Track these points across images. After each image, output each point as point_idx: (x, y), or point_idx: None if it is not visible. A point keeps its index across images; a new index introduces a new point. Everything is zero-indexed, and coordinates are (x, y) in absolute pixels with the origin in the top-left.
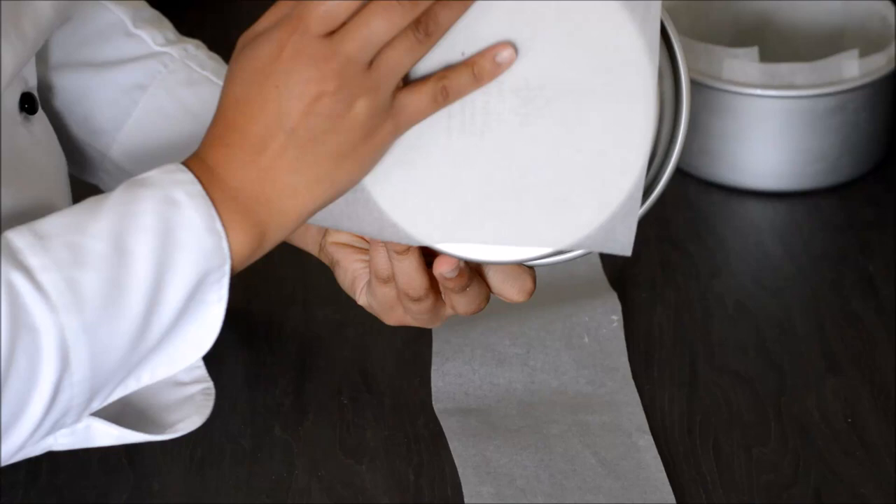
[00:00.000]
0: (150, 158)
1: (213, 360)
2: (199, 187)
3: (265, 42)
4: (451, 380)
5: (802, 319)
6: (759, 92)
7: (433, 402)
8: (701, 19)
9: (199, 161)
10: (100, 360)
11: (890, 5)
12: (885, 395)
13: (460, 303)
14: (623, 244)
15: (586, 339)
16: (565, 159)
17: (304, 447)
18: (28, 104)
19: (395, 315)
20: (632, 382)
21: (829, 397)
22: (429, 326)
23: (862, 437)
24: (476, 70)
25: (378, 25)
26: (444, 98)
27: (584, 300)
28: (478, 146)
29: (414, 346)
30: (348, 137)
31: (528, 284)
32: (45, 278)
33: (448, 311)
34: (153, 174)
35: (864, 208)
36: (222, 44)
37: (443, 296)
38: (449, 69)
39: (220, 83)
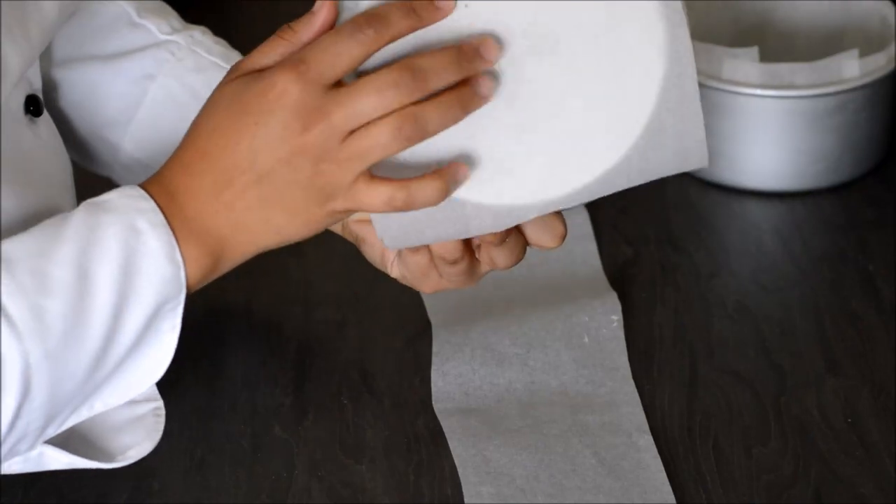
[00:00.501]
0: (164, 147)
1: (213, 359)
2: (161, 217)
3: (258, 78)
4: (451, 380)
5: (802, 319)
6: (759, 92)
7: (433, 402)
8: (701, 19)
9: (161, 185)
10: (58, 387)
11: (890, 5)
12: (885, 395)
13: (500, 256)
14: (695, 154)
15: (586, 339)
16: (590, 91)
17: (304, 447)
18: (33, 106)
19: (430, 282)
20: (632, 382)
21: (829, 397)
22: (467, 286)
23: (862, 437)
24: (438, 184)
25: (369, 103)
26: (401, 207)
27: (584, 300)
28: (506, 105)
29: (414, 346)
30: (306, 197)
31: (560, 229)
32: (11, 304)
33: (485, 267)
34: (115, 198)
35: (864, 208)
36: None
37: (479, 253)
38: (413, 180)
39: (228, 67)
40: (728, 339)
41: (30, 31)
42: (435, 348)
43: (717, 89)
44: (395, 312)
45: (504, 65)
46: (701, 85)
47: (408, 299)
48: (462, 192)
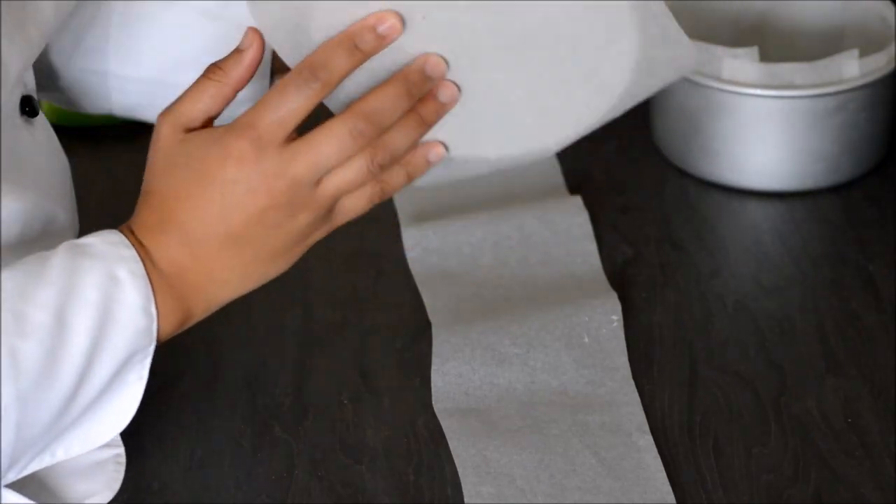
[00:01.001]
0: (142, 54)
1: (213, 359)
2: (141, 266)
3: (212, 143)
4: (451, 380)
5: (802, 319)
6: (759, 92)
7: (433, 402)
8: (701, 19)
9: (135, 239)
10: (24, 430)
11: (890, 5)
12: (885, 395)
13: None
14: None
15: (586, 339)
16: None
17: (304, 447)
18: (28, 107)
19: None
20: (632, 382)
21: (829, 397)
22: None
23: (862, 437)
24: (409, 169)
25: (329, 152)
26: (381, 199)
27: (584, 300)
28: (478, 65)
29: (414, 346)
30: (286, 242)
31: None
32: None
33: None
34: (97, 242)
35: (864, 208)
36: None
37: None
38: (387, 174)
39: None
40: (728, 339)
41: (29, 33)
42: (435, 348)
43: (717, 89)
44: (395, 312)
45: (471, 57)
46: (701, 85)
47: (408, 299)
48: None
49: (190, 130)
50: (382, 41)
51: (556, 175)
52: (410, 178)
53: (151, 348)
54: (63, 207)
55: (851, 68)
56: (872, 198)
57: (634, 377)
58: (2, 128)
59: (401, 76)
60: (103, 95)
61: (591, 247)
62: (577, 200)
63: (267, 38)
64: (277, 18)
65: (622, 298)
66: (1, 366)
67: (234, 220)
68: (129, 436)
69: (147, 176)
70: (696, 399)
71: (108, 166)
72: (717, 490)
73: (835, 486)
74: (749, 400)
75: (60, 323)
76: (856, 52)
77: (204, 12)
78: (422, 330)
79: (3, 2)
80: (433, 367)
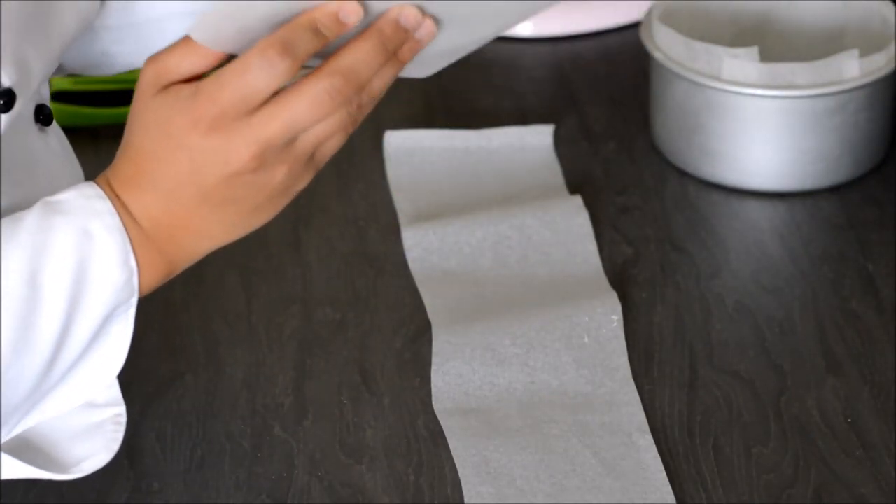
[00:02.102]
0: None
1: (213, 359)
2: (116, 219)
3: (178, 108)
4: (451, 380)
5: (802, 319)
6: (759, 92)
7: (433, 402)
8: (701, 19)
9: (111, 188)
10: (6, 396)
11: (890, 5)
12: (885, 395)
13: None
14: None
15: (586, 339)
16: None
17: (304, 447)
18: (42, 115)
19: None
20: (632, 382)
21: (829, 397)
22: None
23: (862, 437)
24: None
25: (305, 114)
26: (357, 125)
27: (584, 300)
28: None
29: (414, 346)
30: (268, 196)
31: None
32: None
33: None
34: (72, 198)
35: (864, 208)
36: None
37: None
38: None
39: None
40: (728, 339)
41: (51, 41)
42: (435, 348)
43: (717, 89)
44: (395, 312)
45: None
46: (701, 85)
47: (408, 299)
48: None
49: (170, 85)
50: (344, 27)
51: (557, 175)
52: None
53: (134, 300)
54: None
55: (851, 68)
56: (872, 198)
57: (634, 377)
58: (16, 135)
59: (375, 30)
60: (105, 51)
61: (592, 247)
62: (577, 200)
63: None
64: (219, 30)
65: (622, 298)
66: None
67: (207, 182)
68: (129, 436)
69: (126, 124)
70: (696, 399)
71: (108, 166)
72: (717, 490)
73: (835, 486)
74: (749, 400)
75: (33, 286)
76: (856, 52)
77: None
78: (422, 330)
79: (31, 11)
80: (433, 367)
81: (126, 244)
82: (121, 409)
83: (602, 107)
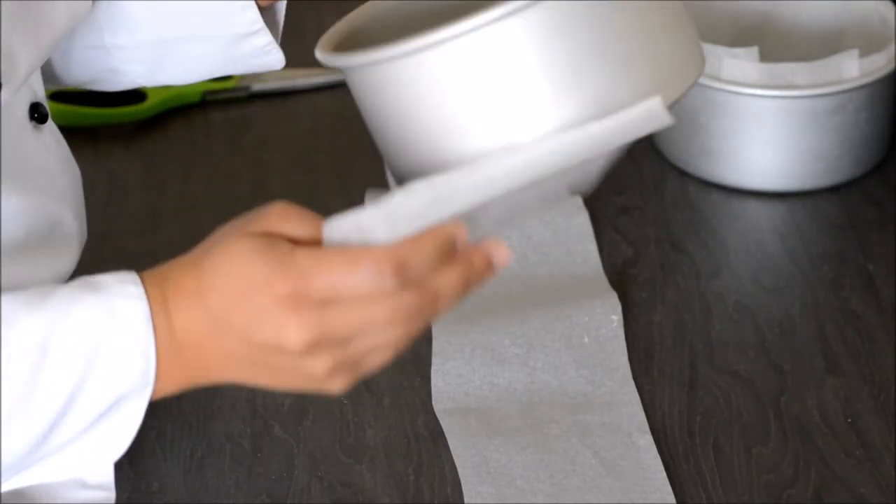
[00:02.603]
0: (132, 22)
1: None
2: (145, 306)
3: (267, 260)
4: (451, 380)
5: (802, 319)
6: (759, 92)
7: (433, 402)
8: (701, 19)
9: (161, 292)
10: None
11: (890, 5)
12: (885, 395)
13: None
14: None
15: (586, 339)
16: None
17: (304, 447)
18: (37, 114)
19: None
20: (632, 382)
21: (829, 397)
22: None
23: (862, 437)
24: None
25: (378, 321)
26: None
27: (583, 300)
28: None
29: (414, 346)
30: (300, 378)
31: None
32: None
33: None
34: (107, 279)
35: (864, 208)
36: None
37: None
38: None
39: None
40: (728, 339)
41: (40, 33)
42: (435, 348)
43: (717, 89)
44: None
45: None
46: (701, 85)
47: None
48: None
49: (273, 232)
50: (487, 271)
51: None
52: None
53: (147, 392)
54: (72, 214)
55: (851, 68)
56: (872, 198)
57: (634, 377)
58: (11, 131)
59: (466, 260)
60: (114, 68)
61: (592, 247)
62: (577, 200)
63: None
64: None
65: (622, 298)
66: None
67: (255, 339)
68: None
69: (215, 235)
70: (696, 399)
71: (108, 166)
72: (717, 490)
73: (835, 486)
74: (749, 400)
75: (44, 352)
76: (856, 52)
77: None
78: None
79: (19, 2)
80: (433, 367)
81: (149, 335)
82: (110, 497)
83: None
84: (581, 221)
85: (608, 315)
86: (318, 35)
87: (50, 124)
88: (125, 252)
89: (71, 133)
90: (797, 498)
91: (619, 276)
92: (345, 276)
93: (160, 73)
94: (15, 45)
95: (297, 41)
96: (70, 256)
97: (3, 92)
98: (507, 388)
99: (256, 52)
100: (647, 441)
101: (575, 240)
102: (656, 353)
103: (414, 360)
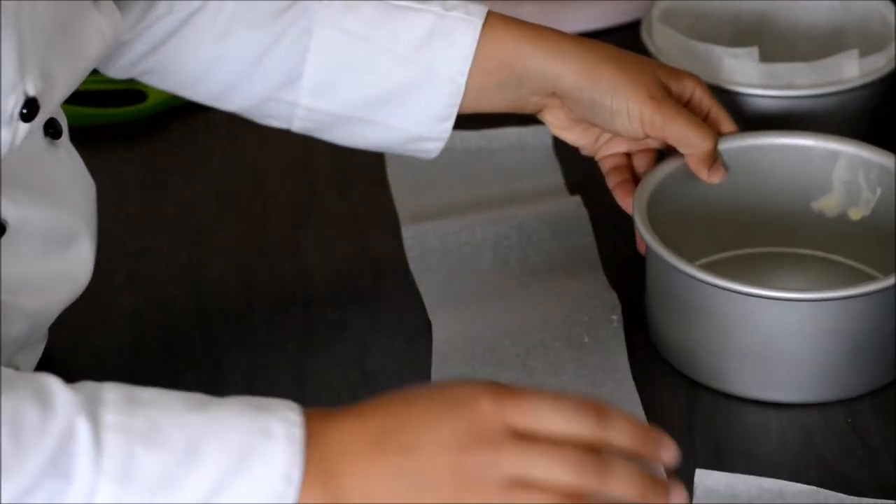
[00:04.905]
0: (339, 90)
1: (213, 359)
2: (300, 432)
3: (483, 388)
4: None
5: None
6: (759, 92)
7: None
8: (701, 19)
9: (321, 431)
10: None
11: (890, 5)
12: (885, 395)
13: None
14: None
15: (586, 340)
16: None
17: None
18: (52, 129)
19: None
20: (632, 382)
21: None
22: None
23: (862, 437)
24: None
25: (543, 466)
26: None
27: (584, 300)
28: None
29: (414, 346)
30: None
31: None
32: (110, 438)
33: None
34: (271, 400)
35: None
36: None
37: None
38: None
39: None
40: None
41: (76, 58)
42: (435, 348)
43: (717, 89)
44: (395, 312)
45: None
46: None
47: (408, 299)
48: None
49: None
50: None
51: (556, 175)
52: None
53: None
54: (86, 227)
55: (851, 68)
56: None
57: (634, 377)
58: (25, 148)
59: (644, 475)
60: (284, 118)
61: (591, 246)
62: (577, 200)
63: None
64: None
65: (622, 298)
66: (112, 466)
67: (422, 448)
68: None
69: (401, 404)
70: (697, 399)
71: (108, 166)
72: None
73: (835, 487)
74: (749, 400)
75: (192, 450)
76: (856, 52)
77: (397, 56)
78: (422, 330)
79: (58, 25)
80: (433, 368)
81: (298, 459)
82: None
83: None
84: (581, 221)
85: (608, 315)
86: None
87: (65, 140)
88: (125, 252)
89: (71, 133)
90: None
91: (620, 276)
92: (551, 405)
93: (324, 134)
94: (53, 68)
95: None
96: (85, 272)
97: (39, 113)
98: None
99: (418, 150)
100: None
101: (575, 239)
102: (656, 352)
103: (414, 360)
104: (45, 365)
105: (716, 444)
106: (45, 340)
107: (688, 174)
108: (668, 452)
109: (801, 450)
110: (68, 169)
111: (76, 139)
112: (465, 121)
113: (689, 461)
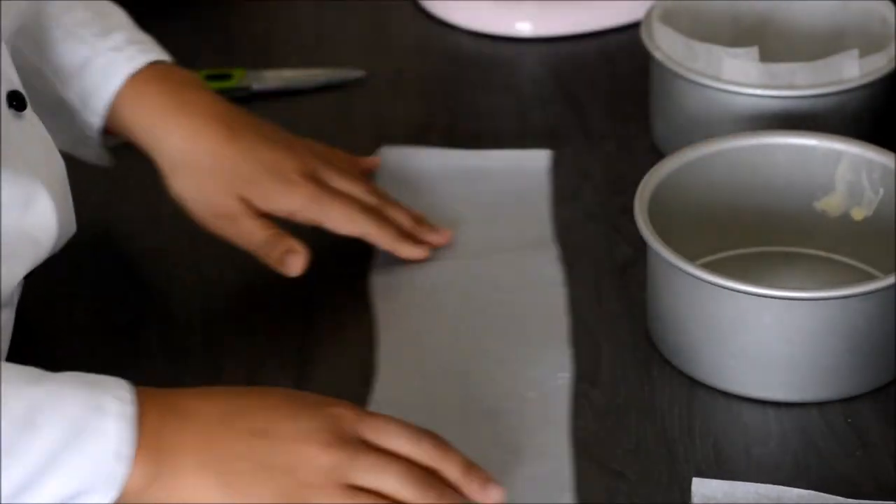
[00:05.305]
0: None
1: (213, 359)
2: (132, 410)
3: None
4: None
5: None
6: (759, 92)
7: None
8: (701, 19)
9: (159, 411)
10: None
11: (890, 5)
12: (885, 395)
13: None
14: None
15: (531, 394)
16: None
17: None
18: (16, 101)
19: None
20: (566, 440)
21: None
22: None
23: (862, 437)
24: None
25: (389, 481)
26: None
27: (538, 353)
28: None
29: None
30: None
31: None
32: None
33: None
34: (106, 378)
35: None
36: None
37: None
38: None
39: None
40: None
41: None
42: (377, 387)
43: (717, 89)
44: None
45: None
46: (701, 85)
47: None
48: None
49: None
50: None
51: (544, 212)
52: None
53: (113, 493)
54: (44, 189)
55: (851, 68)
56: None
57: (635, 377)
58: None
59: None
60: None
61: (560, 299)
62: (553, 250)
63: None
64: None
65: (623, 298)
66: None
67: (271, 442)
68: None
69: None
70: (696, 399)
71: (108, 166)
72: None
73: (835, 487)
74: (749, 400)
75: (29, 419)
76: (856, 52)
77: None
78: None
79: None
80: (371, 406)
81: (131, 437)
82: None
83: (602, 107)
84: (553, 273)
85: (556, 372)
86: (318, 35)
87: (30, 114)
88: (125, 252)
89: None
90: (797, 498)
91: (620, 276)
92: (390, 424)
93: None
94: None
95: (297, 41)
96: (47, 242)
97: None
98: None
99: (83, 157)
100: (567, 499)
101: (544, 289)
102: (656, 352)
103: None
104: (44, 365)
105: (715, 443)
106: (12, 309)
107: (688, 174)
108: (495, 492)
109: (801, 449)
110: (34, 142)
111: None
112: (464, 120)
113: (689, 460)
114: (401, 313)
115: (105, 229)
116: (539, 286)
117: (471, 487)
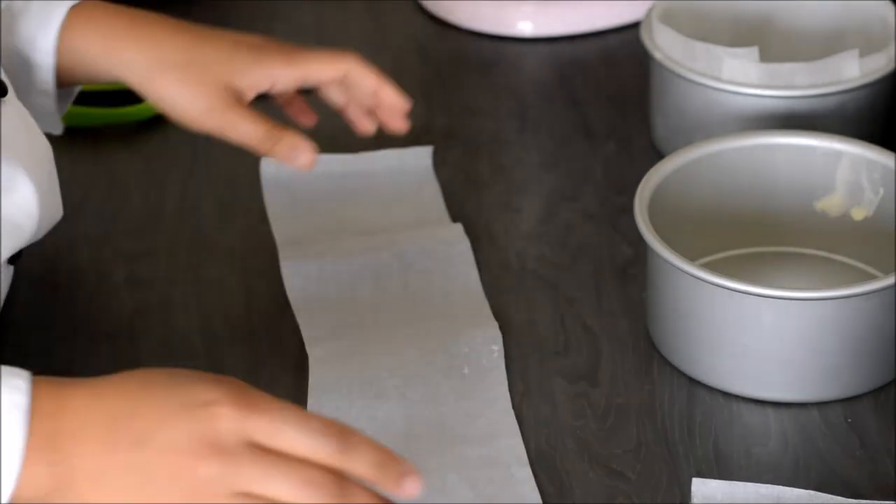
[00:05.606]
0: None
1: (213, 360)
2: (25, 400)
3: (206, 379)
4: (328, 412)
5: None
6: (759, 92)
7: None
8: (701, 19)
9: (54, 406)
10: None
11: (890, 5)
12: (885, 395)
13: None
14: None
15: (466, 371)
16: None
17: None
18: None
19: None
20: (511, 413)
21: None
22: None
23: (862, 437)
24: None
25: (282, 487)
26: None
27: (465, 329)
28: None
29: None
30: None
31: None
32: None
33: None
34: (2, 369)
35: None
36: None
37: None
38: None
39: None
40: None
41: None
42: (312, 382)
43: (717, 89)
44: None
45: None
46: (701, 85)
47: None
48: None
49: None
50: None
51: (437, 199)
52: None
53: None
54: (25, 175)
55: (851, 68)
56: None
57: (635, 377)
58: None
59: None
60: None
61: (473, 274)
62: (458, 228)
63: None
64: None
65: (623, 298)
66: None
67: (153, 450)
68: None
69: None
70: (697, 399)
71: (108, 166)
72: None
73: (835, 486)
74: (749, 400)
75: None
76: (856, 52)
77: None
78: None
79: None
80: (309, 401)
81: (21, 431)
82: None
83: (602, 107)
84: (462, 249)
85: (489, 345)
86: (318, 35)
87: (12, 98)
88: (125, 252)
89: (71, 133)
90: (797, 498)
91: (620, 276)
92: (299, 418)
93: None
94: None
95: (297, 41)
96: (29, 226)
97: None
98: (385, 420)
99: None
100: (525, 474)
101: (456, 267)
102: (656, 351)
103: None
104: (45, 365)
105: (715, 442)
106: None
107: (688, 174)
108: (411, 484)
109: (801, 449)
110: (17, 126)
111: (77, 139)
112: (464, 121)
113: (689, 460)
114: (319, 310)
115: (105, 229)
116: (451, 262)
117: (384, 483)
